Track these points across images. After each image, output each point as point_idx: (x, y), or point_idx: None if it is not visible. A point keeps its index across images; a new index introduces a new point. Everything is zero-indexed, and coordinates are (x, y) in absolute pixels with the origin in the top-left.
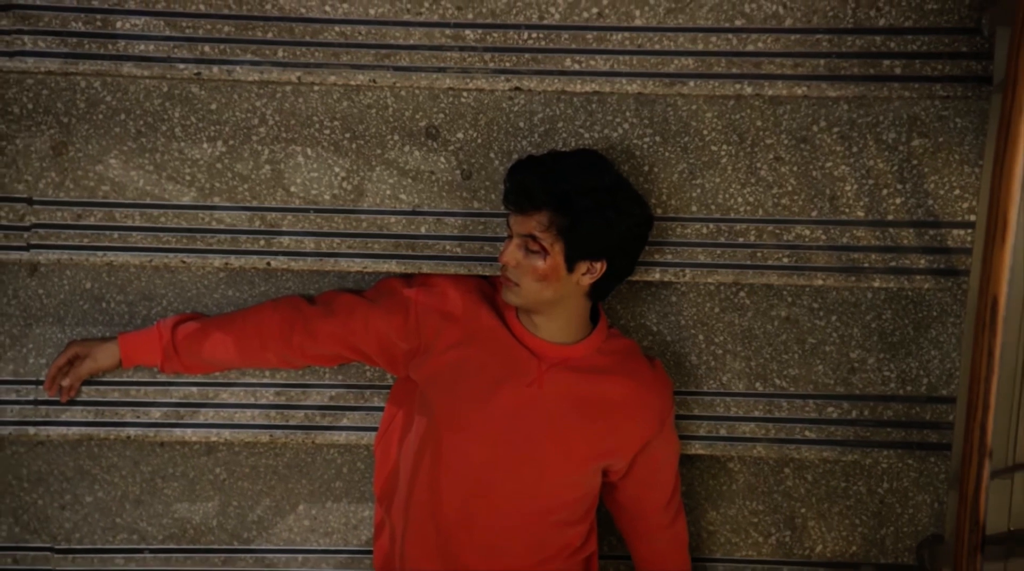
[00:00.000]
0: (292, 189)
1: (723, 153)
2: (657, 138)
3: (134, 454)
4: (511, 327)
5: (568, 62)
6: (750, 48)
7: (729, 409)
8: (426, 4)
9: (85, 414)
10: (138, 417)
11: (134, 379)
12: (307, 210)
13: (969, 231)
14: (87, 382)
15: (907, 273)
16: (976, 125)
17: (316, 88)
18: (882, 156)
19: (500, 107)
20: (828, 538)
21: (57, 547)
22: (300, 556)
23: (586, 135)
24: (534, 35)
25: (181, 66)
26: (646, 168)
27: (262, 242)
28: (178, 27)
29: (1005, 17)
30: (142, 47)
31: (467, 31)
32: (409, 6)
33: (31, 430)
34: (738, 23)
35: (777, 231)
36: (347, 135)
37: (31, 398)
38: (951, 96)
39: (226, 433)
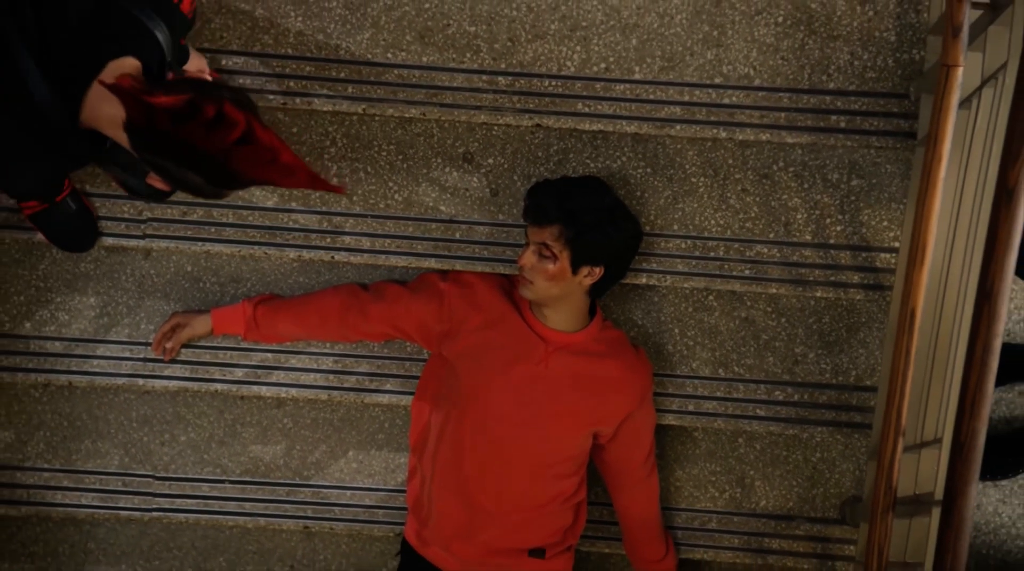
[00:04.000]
0: (354, 198)
1: (700, 184)
2: (648, 170)
3: (220, 404)
4: (525, 317)
5: (580, 106)
6: (725, 101)
7: (696, 389)
8: (468, 55)
9: (182, 371)
10: (224, 375)
11: (222, 345)
12: (365, 216)
13: (894, 255)
14: (185, 346)
15: (843, 286)
16: (902, 171)
17: (377, 118)
18: (827, 192)
19: (524, 139)
20: (771, 495)
21: (157, 475)
22: (348, 492)
23: (591, 165)
24: (553, 83)
25: (271, 97)
26: (638, 193)
27: (328, 240)
28: (269, 65)
29: (929, 86)
30: (241, 81)
31: (500, 78)
32: (454, 56)
33: (140, 381)
34: (717, 81)
35: (741, 248)
36: (400, 157)
37: (141, 356)
38: (884, 147)
39: (293, 391)
